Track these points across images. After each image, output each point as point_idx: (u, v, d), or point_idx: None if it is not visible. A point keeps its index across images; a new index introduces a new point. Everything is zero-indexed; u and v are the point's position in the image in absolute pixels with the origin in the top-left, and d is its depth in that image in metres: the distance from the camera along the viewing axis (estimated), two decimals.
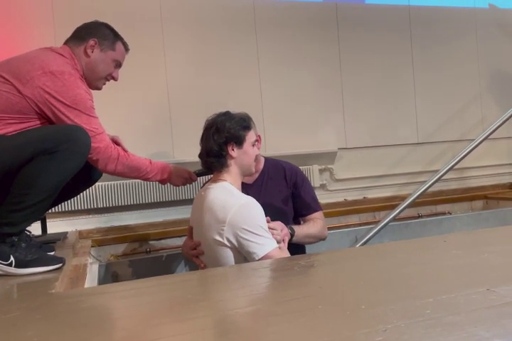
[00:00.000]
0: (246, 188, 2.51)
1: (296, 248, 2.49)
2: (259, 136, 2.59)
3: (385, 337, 0.98)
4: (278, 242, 2.18)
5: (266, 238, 2.09)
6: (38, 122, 1.99)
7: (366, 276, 1.53)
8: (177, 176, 2.39)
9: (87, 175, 2.20)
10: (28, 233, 2.14)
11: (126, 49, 2.31)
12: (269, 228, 2.18)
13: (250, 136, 2.34)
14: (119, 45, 2.26)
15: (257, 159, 2.42)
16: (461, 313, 1.09)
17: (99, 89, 2.28)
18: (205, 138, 2.32)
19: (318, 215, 2.72)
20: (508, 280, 1.33)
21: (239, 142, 2.27)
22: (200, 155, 2.35)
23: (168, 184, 2.45)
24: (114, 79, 2.30)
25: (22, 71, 1.96)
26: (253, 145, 2.35)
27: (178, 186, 2.50)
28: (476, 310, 1.11)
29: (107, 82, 2.33)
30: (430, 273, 1.49)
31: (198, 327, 1.14)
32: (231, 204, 2.11)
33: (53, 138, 1.85)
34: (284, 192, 2.68)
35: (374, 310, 1.16)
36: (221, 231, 2.09)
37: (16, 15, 3.31)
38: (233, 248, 2.09)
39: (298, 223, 2.68)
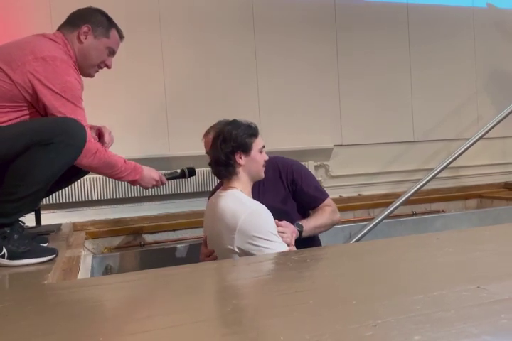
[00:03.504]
0: None
1: (309, 240, 2.52)
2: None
3: (374, 332, 0.99)
4: (288, 245, 2.22)
5: (276, 242, 2.14)
6: (28, 111, 1.97)
7: (358, 272, 1.54)
8: (148, 178, 2.33)
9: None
10: (22, 224, 2.14)
11: (121, 37, 2.27)
12: (279, 232, 2.20)
13: (257, 143, 2.35)
14: (113, 33, 2.22)
15: (265, 164, 2.43)
16: (451, 310, 1.10)
17: (91, 76, 2.25)
18: (213, 148, 2.33)
19: (326, 203, 2.71)
20: (499, 278, 1.34)
21: (246, 150, 2.29)
22: (209, 164, 2.36)
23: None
24: (107, 66, 2.26)
25: (13, 57, 1.94)
26: (261, 152, 2.37)
27: (147, 188, 2.41)
28: (466, 307, 1.12)
29: (101, 71, 2.30)
30: (422, 269, 1.50)
31: (189, 320, 1.14)
32: (240, 212, 2.14)
33: (49, 130, 1.84)
34: (282, 192, 2.67)
35: (365, 305, 1.17)
36: (232, 239, 2.12)
37: (12, 9, 3.30)
38: (244, 255, 2.11)
39: (308, 215, 2.67)
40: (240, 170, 2.29)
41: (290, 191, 2.68)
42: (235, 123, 2.34)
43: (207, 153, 2.71)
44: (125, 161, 2.20)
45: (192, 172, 2.55)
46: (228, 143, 2.26)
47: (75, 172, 2.18)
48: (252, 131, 2.34)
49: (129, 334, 1.07)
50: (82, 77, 2.17)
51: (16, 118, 1.94)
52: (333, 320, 1.09)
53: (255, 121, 3.80)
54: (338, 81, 4.17)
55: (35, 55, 1.94)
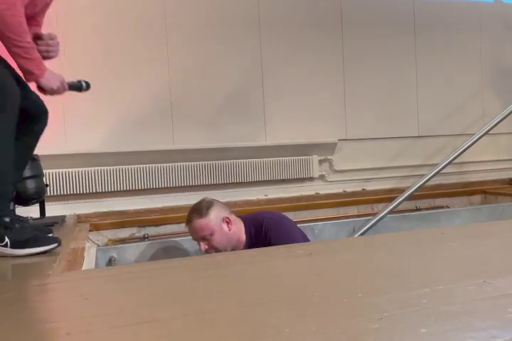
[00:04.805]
0: None
1: None
2: (227, 218, 2.63)
3: (380, 324, 0.99)
4: None
5: None
6: None
7: (363, 266, 1.53)
8: (52, 77, 2.01)
9: (32, 111, 2.03)
10: (21, 217, 2.14)
11: None
12: None
13: None
14: None
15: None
16: (456, 304, 1.10)
17: None
18: None
19: None
20: (505, 272, 1.34)
21: None
22: None
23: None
24: None
25: None
26: None
27: (48, 91, 2.03)
28: (472, 301, 1.12)
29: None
30: (427, 264, 1.50)
31: (193, 311, 1.14)
32: None
33: None
34: None
35: (370, 298, 1.16)
36: None
37: None
38: None
39: None
40: None
41: None
42: None
43: (194, 239, 2.69)
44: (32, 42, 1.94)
45: (88, 85, 2.38)
46: None
47: (30, 122, 2.04)
48: None
49: (136, 324, 1.07)
50: None
51: None
52: (338, 312, 1.09)
53: (259, 116, 3.86)
54: (343, 75, 4.16)
55: None
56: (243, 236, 2.70)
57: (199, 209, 2.68)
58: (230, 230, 2.68)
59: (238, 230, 2.71)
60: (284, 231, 2.68)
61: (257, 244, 2.62)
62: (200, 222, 2.62)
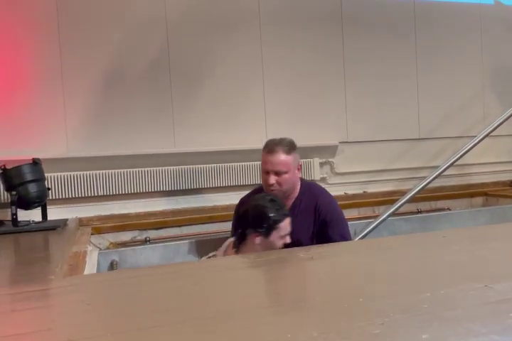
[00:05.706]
0: None
1: None
2: (300, 166, 2.71)
3: (381, 330, 0.99)
4: None
5: None
6: None
7: (364, 270, 1.53)
8: None
9: None
10: None
11: None
12: None
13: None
14: None
15: None
16: (458, 308, 1.10)
17: None
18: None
19: None
20: (507, 277, 1.33)
21: None
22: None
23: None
24: None
25: None
26: None
27: None
28: (473, 306, 1.12)
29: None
30: (428, 268, 1.50)
31: (192, 317, 1.15)
32: None
33: None
34: (311, 229, 2.66)
35: (372, 303, 1.16)
36: None
37: (19, 15, 3.30)
38: None
39: None
40: None
41: (317, 228, 2.66)
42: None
43: (265, 169, 2.70)
44: None
45: None
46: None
47: None
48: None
49: (138, 330, 1.07)
50: None
51: None
52: (340, 317, 1.09)
53: (261, 118, 3.86)
54: (344, 77, 4.16)
55: None
56: (297, 190, 2.73)
57: (286, 146, 2.69)
58: (297, 177, 2.73)
59: (298, 181, 2.74)
60: (338, 216, 2.79)
61: (304, 210, 2.69)
62: (283, 157, 2.63)
